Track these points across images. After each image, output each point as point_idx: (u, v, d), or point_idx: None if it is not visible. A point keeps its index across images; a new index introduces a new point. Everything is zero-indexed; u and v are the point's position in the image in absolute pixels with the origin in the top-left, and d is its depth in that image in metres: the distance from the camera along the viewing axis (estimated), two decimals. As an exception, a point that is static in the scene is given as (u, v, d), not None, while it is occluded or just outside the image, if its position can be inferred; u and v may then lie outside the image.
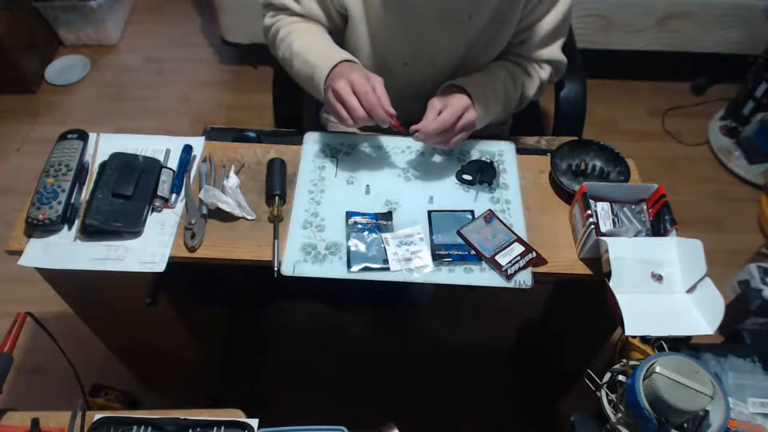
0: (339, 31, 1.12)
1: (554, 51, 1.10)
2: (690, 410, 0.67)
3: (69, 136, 1.04)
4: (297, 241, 0.96)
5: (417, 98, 1.04)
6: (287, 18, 1.09)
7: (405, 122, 0.97)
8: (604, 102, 2.32)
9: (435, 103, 0.98)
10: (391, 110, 0.94)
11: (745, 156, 2.16)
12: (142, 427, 0.76)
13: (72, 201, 0.96)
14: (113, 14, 2.55)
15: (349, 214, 0.99)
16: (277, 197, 0.99)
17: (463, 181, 1.05)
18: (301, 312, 1.68)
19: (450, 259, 0.94)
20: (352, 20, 1.07)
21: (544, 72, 1.12)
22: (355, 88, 0.93)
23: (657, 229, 0.94)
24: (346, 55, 1.00)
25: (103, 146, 1.06)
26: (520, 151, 1.12)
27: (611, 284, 0.84)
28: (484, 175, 1.05)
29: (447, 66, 1.09)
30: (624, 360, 0.78)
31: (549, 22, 1.05)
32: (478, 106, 1.00)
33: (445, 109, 0.97)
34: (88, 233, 0.94)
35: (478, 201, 1.03)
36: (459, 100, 0.98)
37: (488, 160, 1.08)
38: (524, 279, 0.92)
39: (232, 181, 0.99)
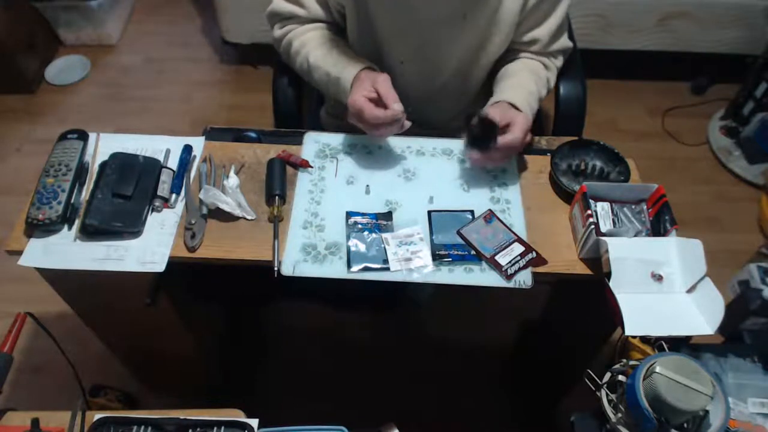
0: (342, 30, 1.13)
1: (564, 41, 1.16)
2: (690, 410, 0.67)
3: (69, 136, 1.04)
4: (297, 241, 0.96)
5: (415, 97, 1.04)
6: (297, 28, 1.11)
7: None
8: (604, 102, 2.33)
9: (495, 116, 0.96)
10: (398, 108, 0.95)
11: (745, 156, 2.16)
12: (142, 427, 0.76)
13: (72, 201, 0.96)
14: (113, 14, 2.56)
15: (349, 214, 0.99)
16: (277, 197, 0.99)
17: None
18: (301, 312, 1.68)
19: (450, 259, 0.94)
20: (349, 18, 1.07)
21: (559, 61, 1.19)
22: (365, 119, 0.97)
23: (657, 229, 0.94)
24: (358, 66, 1.02)
25: (103, 146, 1.06)
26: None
27: (611, 284, 0.84)
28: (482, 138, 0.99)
29: (444, 66, 1.09)
30: (624, 360, 0.78)
31: (554, 21, 1.09)
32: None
33: (515, 127, 0.97)
34: (88, 233, 0.94)
35: (478, 201, 1.03)
36: (521, 119, 0.98)
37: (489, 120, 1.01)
38: (524, 279, 0.92)
39: (232, 181, 0.99)
